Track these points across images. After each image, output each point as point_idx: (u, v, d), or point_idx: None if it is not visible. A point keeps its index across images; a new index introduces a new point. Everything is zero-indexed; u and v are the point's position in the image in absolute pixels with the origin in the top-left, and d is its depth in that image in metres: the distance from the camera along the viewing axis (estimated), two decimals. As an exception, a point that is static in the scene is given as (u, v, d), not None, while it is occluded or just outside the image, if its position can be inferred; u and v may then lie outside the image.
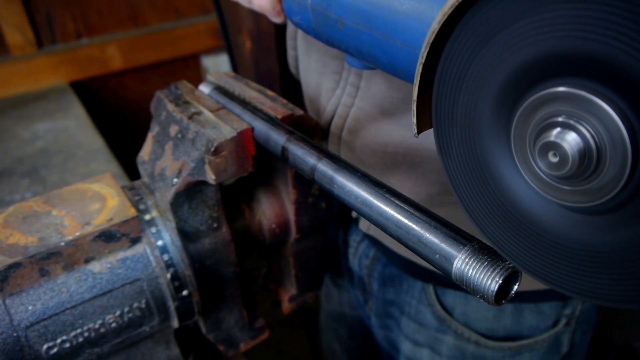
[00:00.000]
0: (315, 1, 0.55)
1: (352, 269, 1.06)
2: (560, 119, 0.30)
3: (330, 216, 0.85)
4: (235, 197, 0.81)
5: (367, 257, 1.00)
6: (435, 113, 0.39)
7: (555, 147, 0.30)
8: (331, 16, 0.54)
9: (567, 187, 0.32)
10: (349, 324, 1.22)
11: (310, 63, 0.88)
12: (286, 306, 0.91)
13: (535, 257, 0.36)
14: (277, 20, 0.70)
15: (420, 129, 0.42)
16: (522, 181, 0.35)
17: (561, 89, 0.30)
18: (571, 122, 0.30)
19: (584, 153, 0.29)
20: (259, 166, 0.69)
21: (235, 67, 1.22)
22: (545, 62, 0.30)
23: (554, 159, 0.31)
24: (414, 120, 0.41)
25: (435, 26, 0.35)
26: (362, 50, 0.52)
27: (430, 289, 0.89)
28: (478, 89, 0.35)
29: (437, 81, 0.38)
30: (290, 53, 1.02)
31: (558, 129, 0.30)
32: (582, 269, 0.34)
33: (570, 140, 0.30)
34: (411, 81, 0.46)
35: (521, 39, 0.31)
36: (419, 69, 0.38)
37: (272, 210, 0.80)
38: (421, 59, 0.38)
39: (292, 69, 1.04)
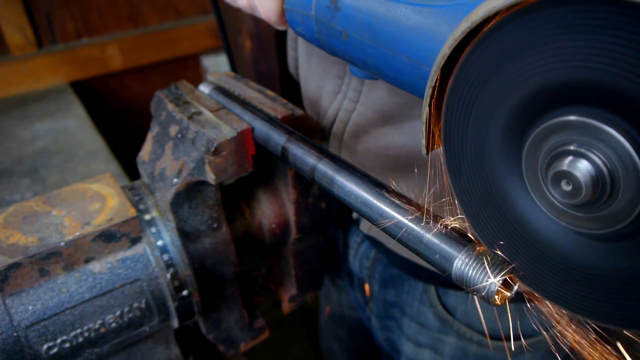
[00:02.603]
0: (319, 12, 0.55)
1: (352, 271, 1.06)
2: (571, 147, 0.30)
3: (330, 216, 0.85)
4: (235, 197, 0.81)
5: (367, 259, 1.00)
6: (444, 136, 0.39)
7: (568, 175, 0.30)
8: (335, 27, 0.53)
9: (582, 215, 0.31)
10: (349, 325, 1.22)
11: (311, 66, 0.88)
12: (286, 306, 0.91)
13: (548, 281, 0.36)
14: (282, 28, 0.70)
15: (429, 149, 0.42)
16: (535, 208, 0.35)
17: (571, 117, 0.30)
18: (582, 150, 0.29)
19: (597, 180, 0.29)
20: (259, 166, 0.69)
21: (234, 67, 1.22)
22: (555, 90, 0.30)
23: (568, 188, 0.31)
24: (424, 142, 0.41)
25: (446, 50, 0.35)
26: (367, 63, 0.52)
27: (431, 289, 0.89)
28: (488, 115, 0.35)
29: (446, 106, 0.38)
30: (290, 54, 1.01)
31: (570, 158, 0.30)
32: (596, 294, 0.33)
33: (583, 169, 0.30)
34: (417, 94, 0.45)
35: (531, 67, 0.31)
36: (428, 92, 0.38)
37: (272, 210, 0.80)
38: (431, 82, 0.37)
39: (292, 70, 1.04)
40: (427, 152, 0.42)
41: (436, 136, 0.41)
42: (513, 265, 0.38)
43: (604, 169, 0.29)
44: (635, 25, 0.25)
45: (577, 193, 0.30)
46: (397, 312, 0.96)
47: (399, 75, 0.48)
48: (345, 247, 1.06)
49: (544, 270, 0.36)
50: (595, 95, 0.28)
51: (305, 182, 0.77)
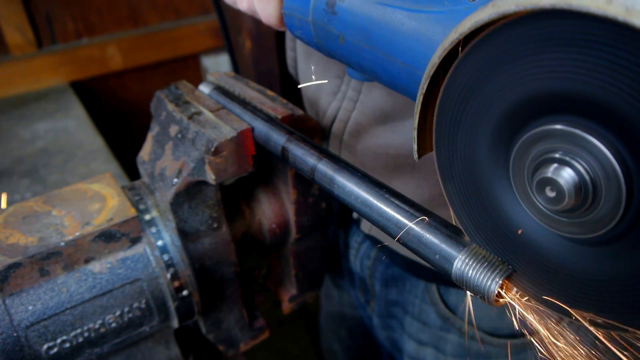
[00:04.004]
0: (316, 16, 0.55)
1: (353, 270, 1.06)
2: (556, 155, 0.31)
3: (331, 216, 0.85)
4: (235, 197, 0.81)
5: (368, 258, 1.00)
6: (436, 141, 0.40)
7: (552, 182, 0.31)
8: (332, 31, 0.54)
9: (566, 220, 0.33)
10: (349, 324, 1.22)
11: (310, 66, 0.88)
12: (286, 306, 0.91)
13: (535, 283, 0.37)
14: (283, 29, 0.70)
15: (421, 153, 0.43)
16: (522, 212, 0.36)
17: (557, 126, 0.31)
18: (567, 158, 0.31)
19: (580, 188, 0.30)
20: (259, 166, 0.69)
21: (236, 67, 1.22)
22: (542, 99, 0.31)
23: (552, 194, 0.32)
24: (415, 146, 0.42)
25: (435, 60, 0.36)
26: (363, 66, 0.52)
27: (433, 288, 0.89)
28: (477, 122, 0.36)
29: (437, 112, 0.39)
30: (289, 54, 1.01)
31: (555, 165, 0.31)
32: (580, 297, 0.35)
33: (566, 176, 0.31)
34: (412, 98, 0.46)
35: (517, 77, 0.31)
36: (419, 99, 0.39)
37: (272, 210, 0.80)
38: (421, 90, 0.38)
39: (291, 70, 1.04)
40: (419, 157, 0.43)
41: (427, 141, 0.42)
42: (512, 266, 0.38)
43: (587, 177, 0.30)
44: (610, 39, 0.26)
45: (560, 200, 0.31)
46: (398, 310, 0.96)
47: (394, 79, 0.49)
48: (346, 247, 1.06)
49: (531, 272, 0.37)
50: (580, 105, 0.29)
51: (306, 182, 0.77)
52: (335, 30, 0.53)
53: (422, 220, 0.43)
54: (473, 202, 0.39)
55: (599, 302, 0.34)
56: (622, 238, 0.31)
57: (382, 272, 0.98)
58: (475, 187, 0.39)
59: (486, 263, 0.39)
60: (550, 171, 0.31)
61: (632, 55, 0.26)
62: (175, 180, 0.66)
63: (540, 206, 0.33)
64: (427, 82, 0.37)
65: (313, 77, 0.87)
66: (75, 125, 1.73)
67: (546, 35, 0.29)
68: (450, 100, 0.37)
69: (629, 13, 0.25)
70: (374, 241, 0.96)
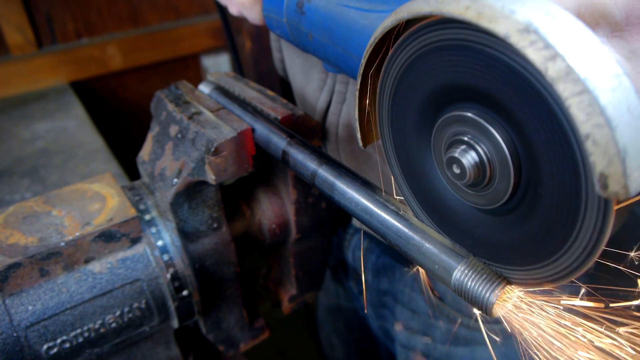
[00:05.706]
0: (289, 17, 0.61)
1: (346, 261, 1.08)
2: (465, 138, 0.36)
3: (331, 216, 0.86)
4: (235, 197, 0.81)
5: (360, 249, 1.02)
6: (379, 129, 0.45)
7: (457, 161, 0.37)
8: (302, 30, 0.59)
9: (472, 192, 0.39)
10: (346, 317, 1.24)
11: (296, 64, 0.89)
12: (286, 306, 0.91)
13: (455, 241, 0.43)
14: None
15: (369, 141, 0.48)
16: (443, 183, 0.42)
17: (468, 114, 0.36)
18: (472, 142, 0.36)
19: (479, 168, 0.36)
20: (259, 166, 0.69)
21: (240, 67, 1.22)
22: (452, 89, 0.36)
23: (457, 170, 0.38)
24: (359, 135, 0.47)
25: (362, 61, 0.41)
26: (330, 61, 0.58)
27: (421, 276, 0.91)
28: (407, 107, 0.41)
29: (377, 103, 0.44)
30: (275, 55, 1.02)
31: (463, 147, 0.37)
32: (481, 253, 0.40)
33: (469, 158, 0.36)
34: None
35: (431, 69, 0.36)
36: (355, 95, 0.44)
37: (272, 210, 0.80)
38: (357, 86, 0.43)
39: (280, 71, 1.05)
40: (364, 146, 0.48)
41: (374, 130, 0.47)
42: (510, 279, 0.40)
43: (485, 159, 0.36)
44: (476, 40, 0.31)
45: (463, 176, 0.37)
46: (390, 300, 0.98)
47: (354, 73, 0.53)
48: (338, 238, 1.08)
49: (454, 234, 0.43)
50: (481, 97, 0.34)
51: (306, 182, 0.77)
52: (305, 28, 0.59)
53: (424, 229, 0.44)
54: (411, 179, 0.45)
55: (494, 259, 0.39)
56: (513, 211, 0.36)
57: (373, 262, 1.00)
58: (411, 166, 0.44)
59: (484, 275, 0.39)
60: (457, 151, 0.37)
61: (493, 52, 0.30)
62: (175, 180, 0.66)
63: (452, 179, 0.39)
64: (360, 80, 0.43)
65: (299, 74, 0.89)
66: (75, 125, 1.73)
67: (439, 38, 0.34)
68: (386, 91, 0.42)
69: (480, 17, 0.29)
70: (365, 232, 0.99)
